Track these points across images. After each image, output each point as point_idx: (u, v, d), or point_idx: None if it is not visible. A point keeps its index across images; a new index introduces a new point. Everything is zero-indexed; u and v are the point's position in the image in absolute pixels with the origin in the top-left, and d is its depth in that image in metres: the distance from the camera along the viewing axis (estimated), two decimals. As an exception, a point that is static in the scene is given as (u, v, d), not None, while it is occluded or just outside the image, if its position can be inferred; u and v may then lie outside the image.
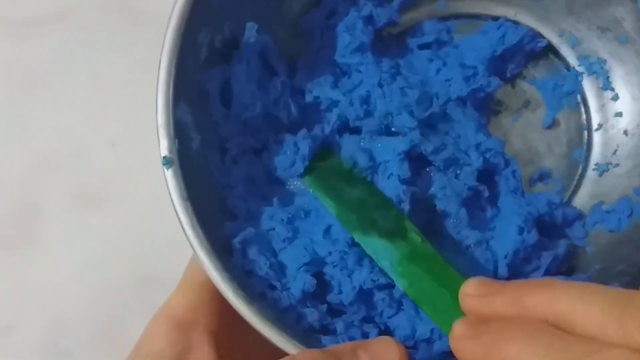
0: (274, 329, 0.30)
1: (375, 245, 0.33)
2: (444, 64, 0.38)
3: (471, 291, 0.28)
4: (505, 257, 0.34)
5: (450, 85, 0.37)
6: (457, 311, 0.28)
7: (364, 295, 0.33)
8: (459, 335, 0.27)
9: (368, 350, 0.29)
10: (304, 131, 0.37)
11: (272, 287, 0.33)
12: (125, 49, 0.48)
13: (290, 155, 0.36)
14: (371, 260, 0.33)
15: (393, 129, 0.37)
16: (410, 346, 0.33)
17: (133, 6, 0.49)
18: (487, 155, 0.37)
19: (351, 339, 0.33)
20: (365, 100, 0.37)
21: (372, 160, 0.36)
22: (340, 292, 0.34)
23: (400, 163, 0.35)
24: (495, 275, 0.34)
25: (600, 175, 0.38)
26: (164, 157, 0.32)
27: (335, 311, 0.34)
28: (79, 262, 0.46)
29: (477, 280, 0.28)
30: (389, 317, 0.33)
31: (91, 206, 0.47)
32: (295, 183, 0.37)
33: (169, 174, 0.32)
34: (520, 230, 0.35)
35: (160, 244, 0.46)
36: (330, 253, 0.34)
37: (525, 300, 0.25)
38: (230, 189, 0.36)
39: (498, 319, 0.26)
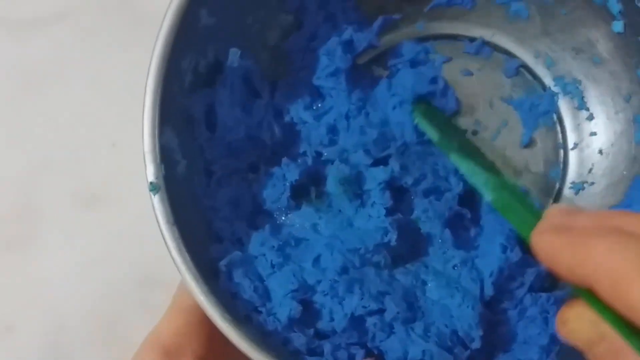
0: (261, 352, 0.31)
1: (470, 167, 0.35)
2: (400, 103, 0.39)
3: (556, 211, 0.29)
4: (491, 275, 0.35)
5: (404, 130, 0.38)
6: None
7: (356, 322, 0.34)
8: (544, 230, 0.27)
9: None
10: (290, 164, 0.37)
11: (258, 311, 0.34)
12: (125, 49, 0.48)
13: (279, 187, 0.37)
14: (361, 287, 0.34)
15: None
16: None
17: (133, 6, 0.49)
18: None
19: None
20: (332, 129, 0.38)
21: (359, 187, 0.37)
22: (332, 320, 0.34)
23: (381, 193, 0.35)
24: (481, 294, 0.35)
25: (577, 193, 0.39)
26: (151, 183, 0.33)
27: (323, 334, 0.34)
28: (79, 262, 0.46)
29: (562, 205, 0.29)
30: (381, 341, 0.34)
31: (91, 206, 0.47)
32: (282, 215, 0.38)
33: (155, 199, 0.33)
34: (504, 249, 0.36)
35: (160, 243, 0.45)
36: (319, 281, 0.35)
37: (608, 221, 0.26)
38: (215, 211, 0.36)
39: (581, 225, 0.27)
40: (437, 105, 0.40)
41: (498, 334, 0.35)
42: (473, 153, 0.38)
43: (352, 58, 0.39)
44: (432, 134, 0.37)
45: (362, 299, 0.34)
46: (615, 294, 0.24)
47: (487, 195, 0.34)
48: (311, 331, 0.34)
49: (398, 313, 0.33)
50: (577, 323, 0.27)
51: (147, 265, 0.46)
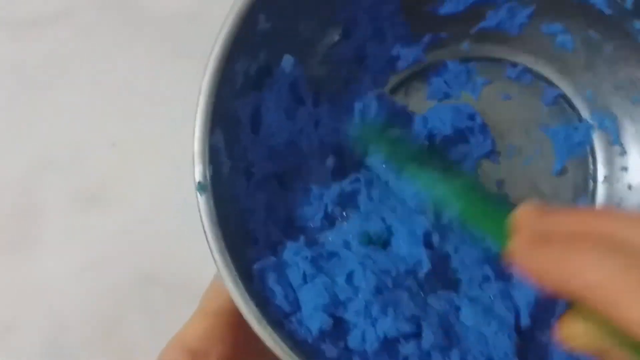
0: (295, 358, 0.31)
1: (427, 179, 0.35)
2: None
3: (530, 208, 0.27)
4: (528, 305, 0.36)
5: None
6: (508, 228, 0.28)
7: (388, 345, 0.34)
8: (523, 242, 0.26)
9: None
10: (332, 187, 0.38)
11: (289, 320, 0.34)
12: (125, 49, 0.48)
13: (315, 208, 0.38)
14: (395, 309, 0.34)
15: None
16: None
17: (133, 6, 0.49)
18: None
19: None
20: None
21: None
22: (364, 340, 0.34)
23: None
24: (517, 323, 0.36)
25: (603, 225, 0.40)
26: (199, 183, 0.33)
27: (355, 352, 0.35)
28: (79, 262, 0.46)
29: (536, 202, 0.28)
30: None
31: (91, 206, 0.47)
32: (316, 233, 0.38)
33: (202, 199, 0.33)
34: None
35: (160, 243, 0.46)
36: (350, 299, 0.35)
37: (593, 224, 0.25)
38: (252, 212, 0.37)
39: (562, 233, 0.25)
40: (472, 143, 0.41)
41: None
42: (430, 166, 0.37)
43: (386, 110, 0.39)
44: (378, 148, 0.37)
45: (396, 320, 0.34)
46: (613, 313, 0.23)
47: (453, 207, 0.34)
48: (342, 344, 0.34)
49: (436, 341, 0.34)
50: (581, 337, 0.26)
51: (147, 265, 0.46)
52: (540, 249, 0.25)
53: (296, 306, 0.34)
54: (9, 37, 0.50)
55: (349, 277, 0.35)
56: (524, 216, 0.28)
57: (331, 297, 0.34)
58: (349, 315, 0.34)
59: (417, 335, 0.34)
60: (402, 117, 0.40)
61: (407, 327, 0.34)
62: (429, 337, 0.34)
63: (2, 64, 0.49)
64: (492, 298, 0.36)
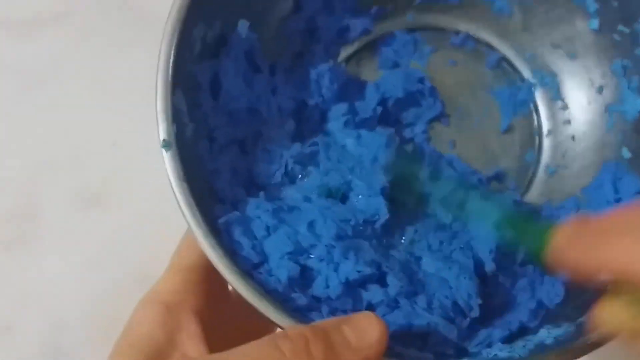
0: (267, 304, 0.32)
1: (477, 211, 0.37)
2: None
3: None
4: (491, 252, 0.37)
5: None
6: None
7: (350, 289, 0.35)
8: (566, 241, 0.29)
9: (352, 325, 0.31)
10: (292, 147, 0.39)
11: (258, 271, 0.35)
12: (125, 49, 0.49)
13: (276, 166, 0.39)
14: (356, 254, 0.35)
15: None
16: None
17: (133, 6, 0.50)
18: None
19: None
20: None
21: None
22: (327, 287, 0.35)
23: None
24: (482, 270, 0.37)
25: (551, 176, 0.43)
26: (163, 140, 0.34)
27: (319, 300, 0.35)
28: (79, 262, 0.47)
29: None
30: (384, 315, 0.34)
31: (91, 206, 0.47)
32: (276, 190, 0.39)
33: (167, 156, 0.34)
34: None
35: (160, 243, 0.44)
36: (313, 246, 0.35)
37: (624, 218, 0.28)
38: (217, 174, 0.38)
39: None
40: (423, 105, 0.43)
41: (493, 303, 0.37)
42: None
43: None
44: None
45: (356, 263, 0.35)
46: None
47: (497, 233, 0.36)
48: (310, 292, 0.35)
49: (402, 287, 0.35)
50: (619, 319, 0.28)
51: (147, 265, 0.45)
52: (582, 239, 0.28)
53: (263, 257, 0.35)
54: (9, 37, 0.50)
55: (310, 226, 0.36)
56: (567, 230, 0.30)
57: (295, 245, 0.35)
58: (313, 262, 0.35)
59: (380, 280, 0.35)
60: (355, 86, 0.42)
61: (368, 269, 0.35)
62: (393, 283, 0.35)
63: (2, 64, 0.50)
64: (451, 251, 0.38)
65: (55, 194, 0.48)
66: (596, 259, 0.27)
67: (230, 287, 0.36)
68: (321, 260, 0.35)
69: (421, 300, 0.35)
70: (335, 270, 0.35)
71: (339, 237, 0.36)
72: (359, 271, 0.34)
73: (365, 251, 0.36)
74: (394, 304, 0.35)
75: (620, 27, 0.39)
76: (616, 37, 0.40)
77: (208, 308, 0.35)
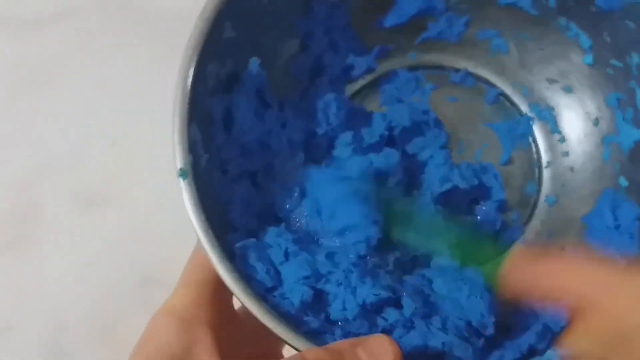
0: (281, 325, 0.33)
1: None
2: None
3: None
4: None
5: None
6: None
7: (367, 312, 0.35)
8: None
9: (366, 348, 0.31)
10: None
11: (272, 295, 0.35)
12: (125, 49, 0.49)
13: (294, 202, 0.40)
14: (373, 278, 0.36)
15: None
16: None
17: (133, 6, 0.50)
18: None
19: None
20: None
21: None
22: (345, 309, 0.35)
23: None
24: None
25: (551, 205, 0.44)
26: (180, 169, 0.35)
27: (335, 322, 0.36)
28: (79, 262, 0.47)
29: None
30: (401, 337, 0.35)
31: (91, 206, 0.47)
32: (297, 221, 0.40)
33: (184, 184, 0.35)
34: None
35: (160, 243, 0.46)
36: (331, 272, 0.36)
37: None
38: (230, 204, 0.39)
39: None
40: (428, 136, 0.44)
41: (505, 325, 0.38)
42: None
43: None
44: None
45: (373, 287, 0.35)
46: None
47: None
48: (323, 316, 0.36)
49: (416, 308, 0.35)
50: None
51: (147, 265, 0.46)
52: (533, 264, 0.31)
53: (278, 282, 0.36)
54: (9, 37, 0.50)
55: (329, 256, 0.37)
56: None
57: (313, 271, 0.36)
58: (330, 287, 0.36)
59: (395, 304, 0.36)
60: (361, 115, 0.44)
61: (384, 293, 0.35)
62: (408, 304, 0.35)
63: (2, 64, 0.50)
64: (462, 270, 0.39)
65: (55, 194, 0.48)
66: (547, 281, 0.30)
67: (236, 307, 0.37)
68: (339, 284, 0.36)
69: (436, 321, 0.36)
70: (353, 293, 0.36)
71: (356, 265, 0.37)
72: (375, 295, 0.35)
73: (382, 277, 0.37)
74: (409, 325, 0.36)
75: (613, 61, 0.41)
76: (610, 71, 0.42)
77: (222, 325, 0.36)
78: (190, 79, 0.37)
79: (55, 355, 0.46)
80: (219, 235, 0.35)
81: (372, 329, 0.36)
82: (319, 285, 0.36)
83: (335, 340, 0.34)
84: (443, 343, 0.34)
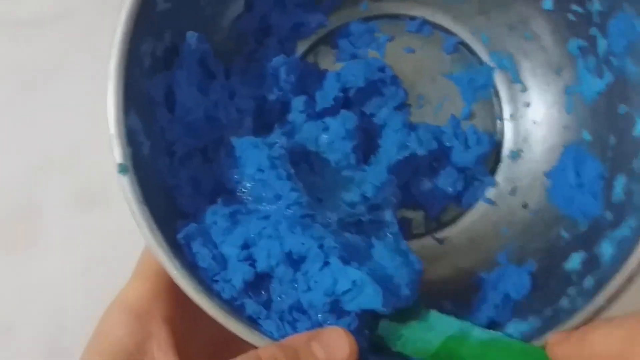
0: (229, 318, 0.32)
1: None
2: None
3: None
4: None
5: None
6: None
7: (294, 263, 0.34)
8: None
9: (321, 342, 0.31)
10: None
11: (216, 281, 0.34)
12: None
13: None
14: (304, 228, 0.34)
15: None
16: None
17: None
18: None
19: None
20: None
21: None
22: (269, 257, 0.34)
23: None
24: None
25: (514, 160, 0.43)
26: (119, 165, 0.34)
27: (263, 275, 0.35)
28: (79, 262, 0.47)
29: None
30: (312, 275, 0.33)
31: (91, 206, 0.48)
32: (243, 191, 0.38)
33: (125, 180, 0.34)
34: None
35: None
36: (264, 228, 0.34)
37: None
38: (179, 189, 0.37)
39: None
40: (386, 94, 0.42)
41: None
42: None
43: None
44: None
45: (302, 235, 0.34)
46: None
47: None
48: (261, 298, 0.34)
49: (335, 247, 0.34)
50: None
51: None
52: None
53: (222, 265, 0.35)
54: (9, 37, 0.50)
55: (266, 217, 0.35)
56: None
57: (245, 239, 0.35)
58: (263, 243, 0.34)
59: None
60: (314, 76, 0.41)
61: (312, 242, 0.33)
62: (329, 243, 0.33)
63: (2, 64, 0.49)
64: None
65: (55, 194, 0.48)
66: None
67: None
68: (269, 237, 0.34)
69: (353, 265, 0.33)
70: (281, 242, 0.34)
71: (287, 217, 0.35)
72: (302, 243, 0.34)
73: (315, 229, 0.34)
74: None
75: (574, 7, 0.39)
76: (571, 16, 0.39)
77: (177, 316, 0.36)
78: (122, 64, 0.35)
79: (55, 355, 0.46)
80: (167, 226, 0.34)
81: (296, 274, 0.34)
82: (250, 243, 0.35)
83: (272, 326, 0.34)
84: (353, 281, 0.32)
